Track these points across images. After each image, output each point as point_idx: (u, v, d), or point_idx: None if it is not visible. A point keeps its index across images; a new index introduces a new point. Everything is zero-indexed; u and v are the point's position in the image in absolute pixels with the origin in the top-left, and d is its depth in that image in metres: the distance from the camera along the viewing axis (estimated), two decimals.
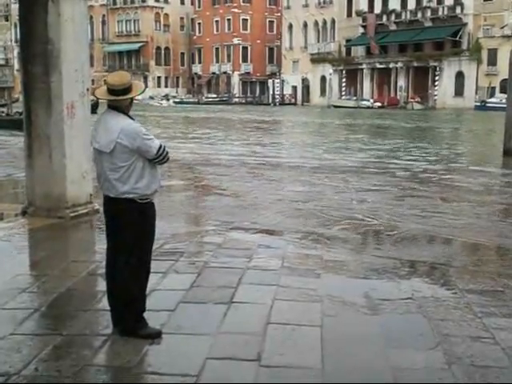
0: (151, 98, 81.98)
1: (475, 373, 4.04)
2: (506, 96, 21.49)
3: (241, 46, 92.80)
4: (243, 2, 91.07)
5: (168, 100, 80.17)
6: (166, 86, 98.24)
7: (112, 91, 4.34)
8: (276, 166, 16.77)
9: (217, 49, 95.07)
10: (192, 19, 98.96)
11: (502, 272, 6.53)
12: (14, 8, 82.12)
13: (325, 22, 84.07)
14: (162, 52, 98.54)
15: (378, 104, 72.00)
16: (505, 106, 20.44)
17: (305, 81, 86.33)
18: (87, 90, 8.86)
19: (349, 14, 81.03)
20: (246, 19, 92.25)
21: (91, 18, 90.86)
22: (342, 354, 4.34)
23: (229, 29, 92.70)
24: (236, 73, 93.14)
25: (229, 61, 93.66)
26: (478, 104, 62.62)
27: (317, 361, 4.19)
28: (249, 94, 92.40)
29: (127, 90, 4.36)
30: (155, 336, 4.51)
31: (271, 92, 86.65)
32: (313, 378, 3.95)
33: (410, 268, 6.66)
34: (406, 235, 8.19)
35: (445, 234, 8.37)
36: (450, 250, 7.59)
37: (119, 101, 4.37)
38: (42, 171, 8.69)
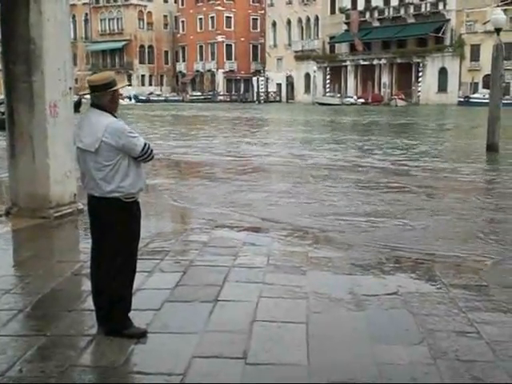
0: (135, 96, 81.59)
1: (460, 367, 4.06)
2: (488, 91, 21.62)
3: (225, 44, 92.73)
4: None
5: (130, 99, 79.20)
6: (151, 85, 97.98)
7: (91, 88, 4.32)
8: (262, 164, 16.76)
9: (201, 47, 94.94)
10: (175, 17, 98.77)
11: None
12: None
13: (308, 20, 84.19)
14: (146, 50, 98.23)
15: (362, 101, 72.26)
16: (488, 101, 20.57)
17: (289, 78, 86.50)
18: (70, 88, 8.81)
19: (332, 11, 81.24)
20: (230, 17, 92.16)
21: (73, 16, 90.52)
22: (328, 350, 4.34)
23: (212, 26, 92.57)
24: (220, 70, 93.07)
25: (213, 59, 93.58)
26: (461, 100, 63.06)
27: (303, 357, 4.19)
28: (233, 92, 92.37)
29: (107, 85, 4.34)
30: (140, 335, 4.49)
31: (256, 89, 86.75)
32: (299, 375, 3.96)
33: (395, 264, 6.68)
34: (390, 231, 8.24)
35: (425, 232, 8.42)
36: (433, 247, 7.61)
37: (99, 97, 4.34)
38: (25, 171, 8.64)
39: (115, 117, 4.38)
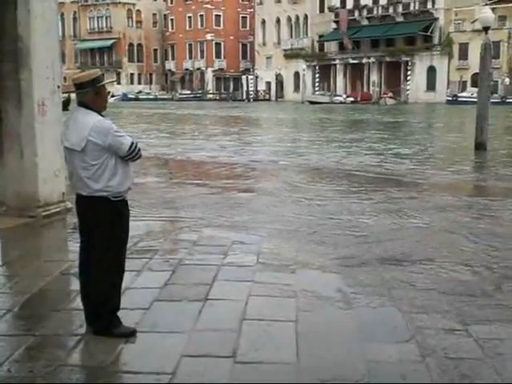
0: (125, 94, 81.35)
1: (449, 365, 4.07)
2: (476, 90, 21.71)
3: (214, 42, 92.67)
4: None
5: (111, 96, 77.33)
6: (140, 83, 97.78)
7: (76, 86, 4.31)
8: (251, 164, 16.76)
9: (190, 45, 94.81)
10: (164, 15, 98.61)
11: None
12: None
13: (297, 18, 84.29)
14: (135, 49, 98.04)
15: (351, 99, 72.41)
16: (476, 99, 20.64)
17: (278, 76, 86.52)
18: (58, 87, 8.77)
19: (321, 10, 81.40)
20: (219, 15, 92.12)
21: (62, 14, 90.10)
22: (317, 348, 4.34)
23: (202, 25, 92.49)
24: (210, 69, 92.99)
25: (202, 57, 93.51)
26: (450, 98, 63.32)
27: (292, 356, 4.19)
28: (223, 90, 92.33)
29: (93, 81, 4.31)
30: (129, 335, 4.48)
31: (245, 88, 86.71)
32: (288, 374, 3.96)
33: (383, 261, 6.68)
34: (376, 231, 8.26)
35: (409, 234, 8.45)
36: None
37: (85, 94, 4.30)
38: (13, 170, 8.59)
39: (102, 116, 4.36)
